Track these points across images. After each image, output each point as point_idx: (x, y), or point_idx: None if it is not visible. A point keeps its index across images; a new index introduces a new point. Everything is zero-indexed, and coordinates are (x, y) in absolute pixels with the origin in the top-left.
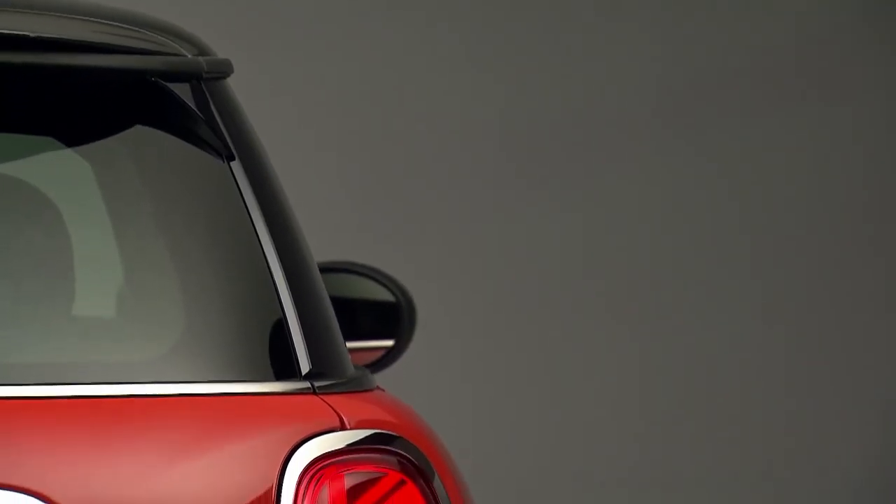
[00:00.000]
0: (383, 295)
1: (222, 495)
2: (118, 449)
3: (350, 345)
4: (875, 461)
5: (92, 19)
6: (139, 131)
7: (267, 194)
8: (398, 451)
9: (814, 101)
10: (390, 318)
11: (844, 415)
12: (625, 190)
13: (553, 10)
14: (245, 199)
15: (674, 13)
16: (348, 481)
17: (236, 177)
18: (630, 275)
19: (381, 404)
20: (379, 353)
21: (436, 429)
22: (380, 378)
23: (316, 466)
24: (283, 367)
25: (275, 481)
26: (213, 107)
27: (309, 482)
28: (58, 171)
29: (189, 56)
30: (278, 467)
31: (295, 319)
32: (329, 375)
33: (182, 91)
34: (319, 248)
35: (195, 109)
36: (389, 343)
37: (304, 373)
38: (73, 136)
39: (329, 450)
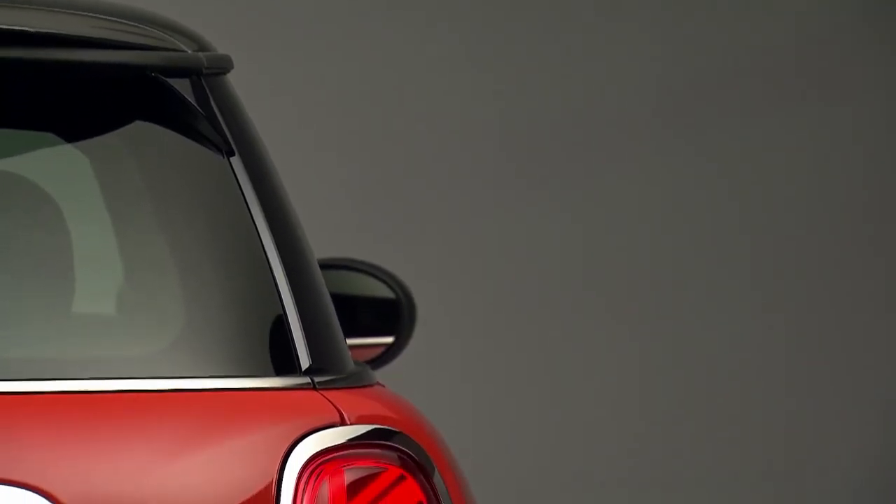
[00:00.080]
0: (383, 291)
1: (222, 490)
2: (118, 444)
3: (350, 341)
4: (875, 461)
5: (92, 15)
6: (139, 127)
7: (267, 190)
8: (398, 447)
9: (814, 101)
10: (390, 314)
11: (844, 415)
12: (625, 190)
13: (553, 10)
14: (245, 194)
15: (674, 13)
16: (348, 476)
17: (236, 172)
18: (630, 275)
19: (381, 400)
20: (379, 350)
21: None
22: (379, 377)
23: (316, 462)
24: (282, 362)
25: (275, 476)
26: (213, 102)
27: (309, 477)
28: (57, 168)
29: (189, 52)
30: (278, 462)
31: (295, 315)
32: (329, 371)
33: (182, 87)
34: (319, 248)
35: (195, 105)
36: (389, 340)
37: (303, 368)
38: (73, 132)
39: (329, 445)
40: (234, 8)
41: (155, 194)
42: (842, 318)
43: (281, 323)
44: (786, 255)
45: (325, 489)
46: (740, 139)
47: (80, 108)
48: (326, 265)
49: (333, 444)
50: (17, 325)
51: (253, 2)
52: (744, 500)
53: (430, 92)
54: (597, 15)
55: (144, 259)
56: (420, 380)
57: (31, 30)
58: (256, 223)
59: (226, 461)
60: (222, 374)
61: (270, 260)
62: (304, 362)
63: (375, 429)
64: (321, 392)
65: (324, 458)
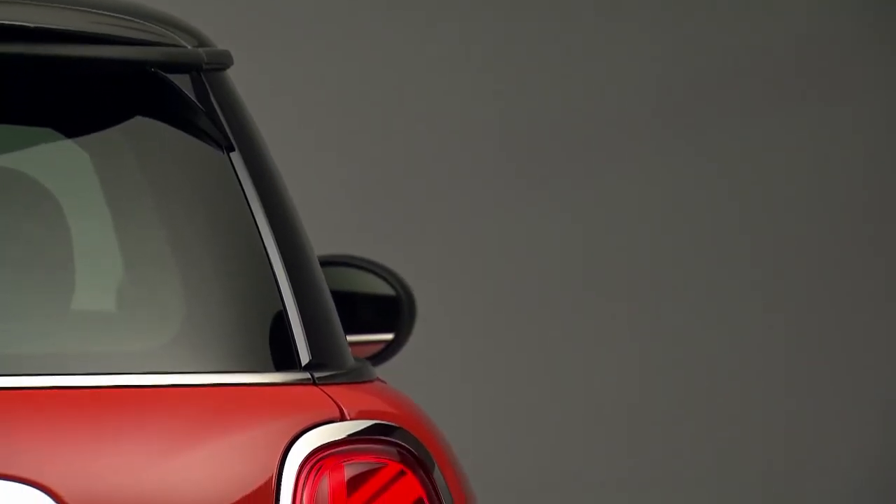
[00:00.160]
0: (383, 288)
1: (222, 486)
2: (118, 439)
3: (350, 338)
4: (875, 461)
5: (91, 10)
6: (139, 122)
7: (267, 186)
8: (398, 442)
9: (814, 101)
10: (390, 311)
11: (844, 415)
12: (625, 190)
13: (553, 10)
14: (245, 190)
15: (674, 13)
16: (348, 472)
17: (236, 168)
18: (630, 275)
19: (381, 395)
20: (378, 347)
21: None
22: (379, 374)
23: (316, 457)
24: (283, 357)
25: (275, 472)
26: (212, 98)
27: (309, 472)
28: (57, 163)
29: (189, 47)
30: (278, 458)
31: (295, 310)
32: (329, 366)
33: (182, 82)
34: (319, 248)
35: (195, 101)
36: (389, 336)
37: (303, 363)
38: (73, 127)
39: (329, 440)
40: (234, 8)
41: (155, 190)
42: (842, 318)
43: (281, 318)
44: (786, 255)
45: (325, 484)
46: (740, 139)
47: (80, 103)
48: (326, 262)
49: (333, 440)
50: (18, 320)
51: (253, 2)
52: (744, 500)
53: (430, 92)
54: (597, 15)
55: (144, 254)
56: (420, 377)
57: (31, 25)
58: (256, 219)
59: (226, 456)
60: (222, 370)
61: (270, 255)
62: (304, 357)
63: (375, 424)
64: (321, 387)
65: (324, 454)
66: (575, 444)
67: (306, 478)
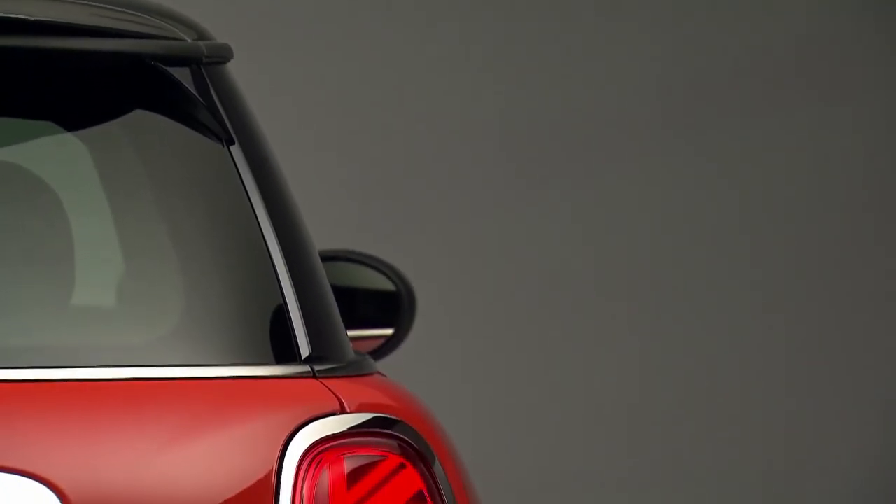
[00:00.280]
0: (383, 283)
1: (222, 479)
2: (118, 432)
3: (350, 333)
4: (875, 461)
5: (91, 3)
6: (139, 116)
7: (267, 179)
8: (398, 435)
9: (814, 101)
10: (390, 306)
11: (844, 415)
12: (625, 190)
13: (553, 10)
14: (245, 183)
15: (674, 13)
16: (348, 465)
17: (236, 161)
18: (630, 275)
19: (381, 388)
20: (378, 342)
21: None
22: (379, 369)
23: (316, 450)
24: (283, 350)
25: (275, 464)
26: (212, 91)
27: (309, 465)
28: (56, 157)
29: (189, 40)
30: (278, 451)
31: (295, 303)
32: (329, 359)
33: (182, 76)
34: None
35: (195, 94)
36: (389, 332)
37: (303, 356)
38: (73, 121)
39: (329, 433)
40: (234, 7)
41: (155, 183)
42: (842, 318)
43: (281, 311)
44: (786, 255)
45: (325, 477)
46: (740, 139)
47: (80, 97)
48: (327, 257)
49: (333, 433)
50: (17, 313)
51: (253, 2)
52: (744, 500)
53: (430, 92)
54: (597, 15)
55: (144, 248)
56: (420, 375)
57: (31, 18)
58: (256, 212)
59: (226, 449)
60: (222, 363)
61: (270, 248)
62: (304, 350)
63: (375, 417)
64: (321, 380)
65: (324, 447)
66: (575, 443)
67: (306, 470)
